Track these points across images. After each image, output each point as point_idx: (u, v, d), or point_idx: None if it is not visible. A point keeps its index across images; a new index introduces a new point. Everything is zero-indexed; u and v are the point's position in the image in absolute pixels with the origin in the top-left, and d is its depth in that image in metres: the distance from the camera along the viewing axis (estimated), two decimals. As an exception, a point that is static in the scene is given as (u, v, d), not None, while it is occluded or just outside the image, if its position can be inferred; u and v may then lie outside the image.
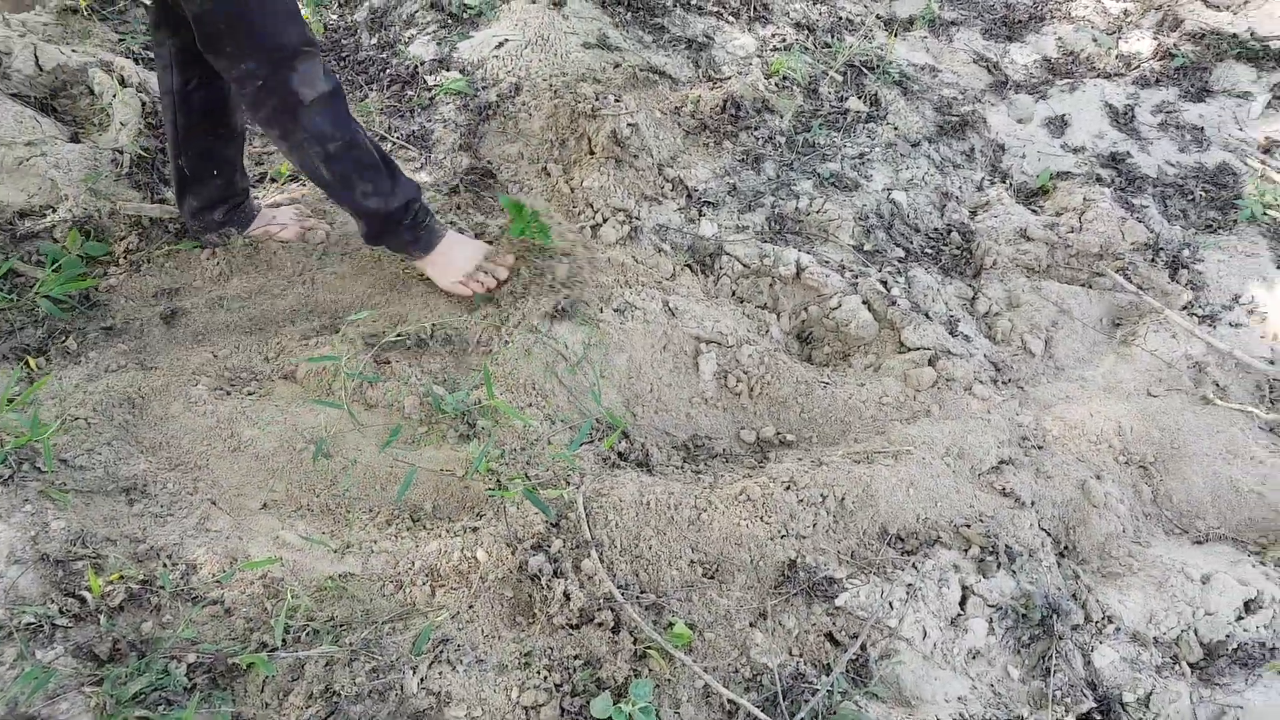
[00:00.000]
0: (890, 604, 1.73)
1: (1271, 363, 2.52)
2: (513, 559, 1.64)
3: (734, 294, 2.39)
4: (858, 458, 1.99)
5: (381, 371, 1.98)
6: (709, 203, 2.59)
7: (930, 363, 2.22)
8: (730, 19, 3.36)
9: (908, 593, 1.76)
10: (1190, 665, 1.85)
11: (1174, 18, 3.68)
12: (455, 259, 2.14)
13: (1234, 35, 3.55)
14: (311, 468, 1.82)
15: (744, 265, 2.41)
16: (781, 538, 1.80)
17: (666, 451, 2.02)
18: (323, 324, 2.11)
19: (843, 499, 1.87)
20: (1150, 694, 1.75)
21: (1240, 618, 1.90)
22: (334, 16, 3.46)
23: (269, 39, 1.77)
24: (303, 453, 1.84)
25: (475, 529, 1.70)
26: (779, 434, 2.12)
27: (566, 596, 1.61)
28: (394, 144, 2.74)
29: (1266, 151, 3.21)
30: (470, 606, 1.58)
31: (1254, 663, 1.86)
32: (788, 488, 1.87)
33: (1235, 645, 1.87)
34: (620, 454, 1.94)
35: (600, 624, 1.59)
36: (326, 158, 1.90)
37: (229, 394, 1.96)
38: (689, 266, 2.39)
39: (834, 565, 1.79)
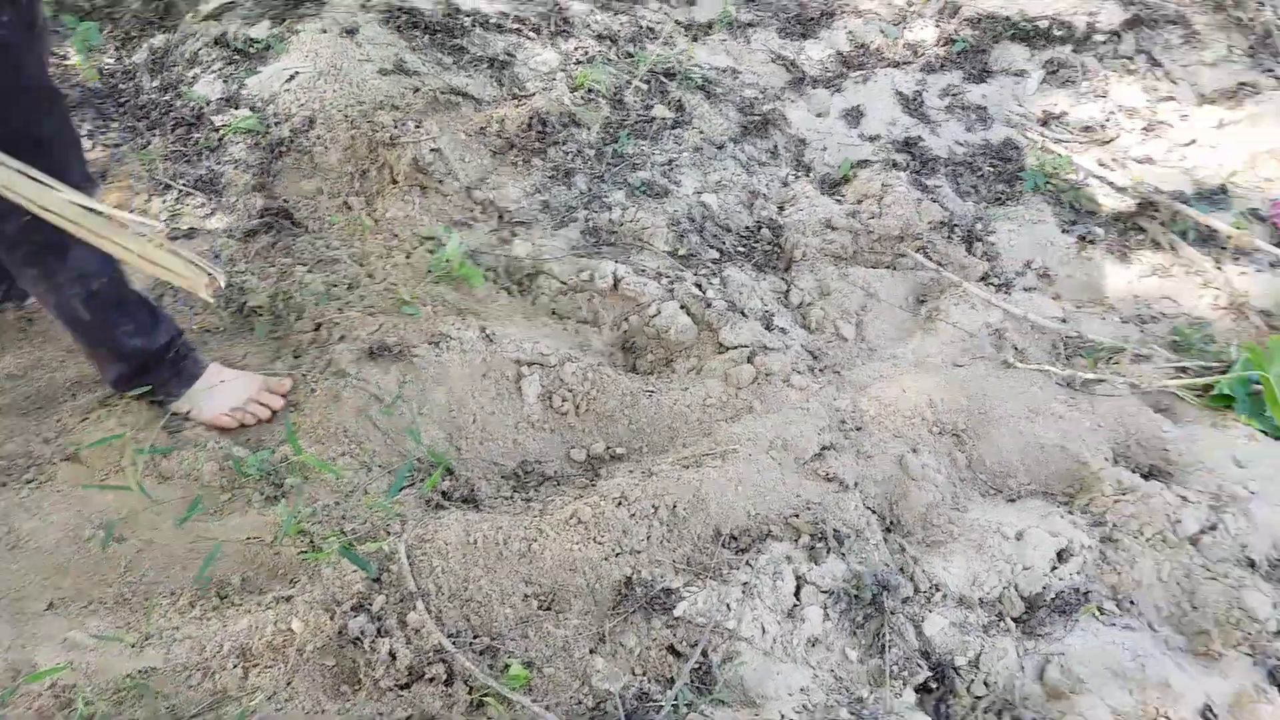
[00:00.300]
0: (728, 605, 1.73)
1: (1064, 321, 2.68)
2: (332, 624, 1.54)
3: (553, 312, 2.34)
4: (687, 462, 1.99)
5: (175, 440, 1.83)
6: (521, 222, 2.53)
7: (749, 359, 2.24)
8: (531, 34, 3.32)
9: (744, 591, 1.76)
10: (1014, 620, 1.93)
11: (953, 4, 3.88)
12: (222, 393, 1.92)
13: (1007, 17, 3.78)
14: (102, 556, 1.66)
15: (561, 282, 2.37)
16: (616, 556, 1.77)
17: (495, 483, 1.95)
18: (107, 394, 1.93)
19: (674, 507, 1.86)
20: (980, 655, 1.81)
21: (1054, 568, 1.99)
22: (110, 61, 3.21)
23: (61, 170, 1.57)
24: (91, 541, 1.67)
25: (289, 598, 1.58)
26: (609, 449, 2.09)
27: (393, 656, 1.52)
28: (181, 190, 2.55)
29: (1044, 124, 3.43)
30: (289, 684, 1.47)
31: (1071, 609, 1.95)
32: (619, 504, 1.84)
33: (1053, 595, 1.97)
34: (444, 493, 1.86)
35: (432, 679, 1.51)
36: (89, 297, 1.74)
37: (4, 485, 1.77)
38: (505, 289, 2.33)
39: (670, 575, 1.77)
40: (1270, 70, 3.61)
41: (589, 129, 2.89)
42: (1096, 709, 1.77)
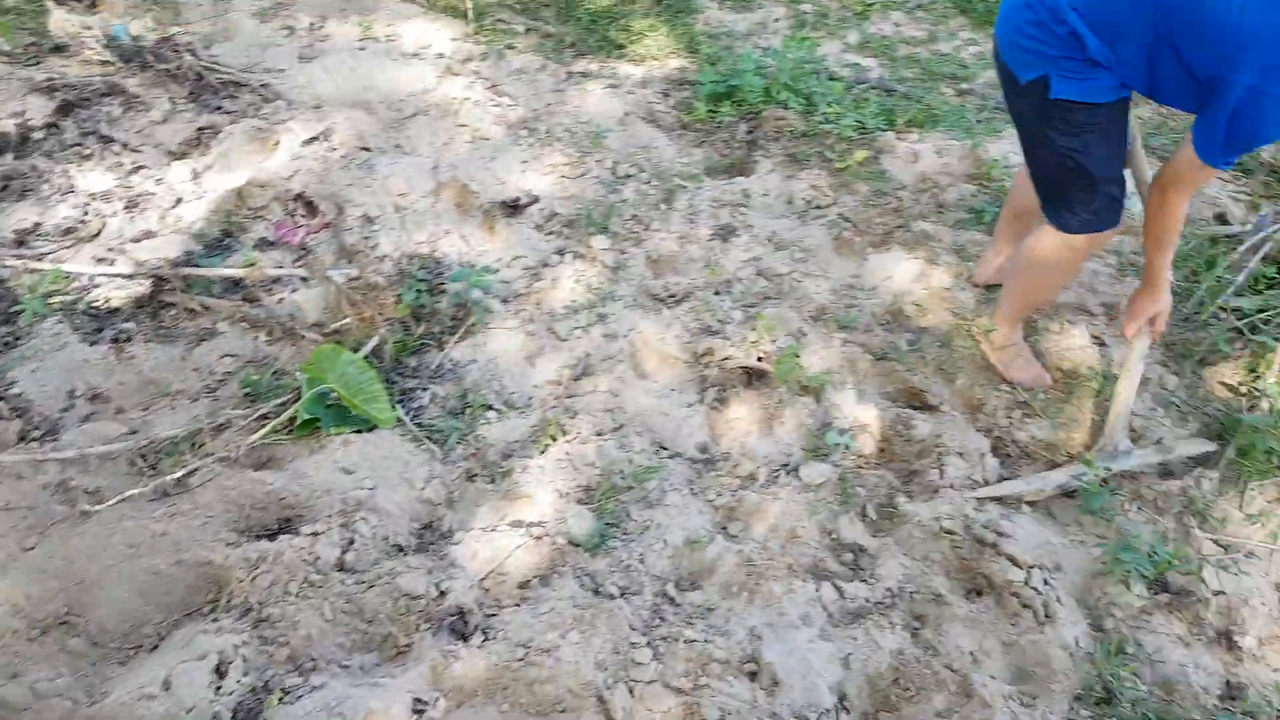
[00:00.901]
0: None
1: (134, 433, 2.59)
2: None
3: None
4: None
5: None
6: None
7: None
8: None
9: None
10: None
11: None
12: None
13: None
14: None
15: None
16: None
17: None
18: None
19: None
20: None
21: (219, 688, 1.94)
22: None
23: None
24: None
25: None
26: None
27: None
28: None
29: (20, 245, 3.20)
30: None
31: (253, 717, 1.93)
32: None
33: (230, 716, 1.91)
34: None
35: None
36: None
37: None
38: None
39: None
40: (219, 108, 3.95)
41: None
42: (319, 789, 1.80)
